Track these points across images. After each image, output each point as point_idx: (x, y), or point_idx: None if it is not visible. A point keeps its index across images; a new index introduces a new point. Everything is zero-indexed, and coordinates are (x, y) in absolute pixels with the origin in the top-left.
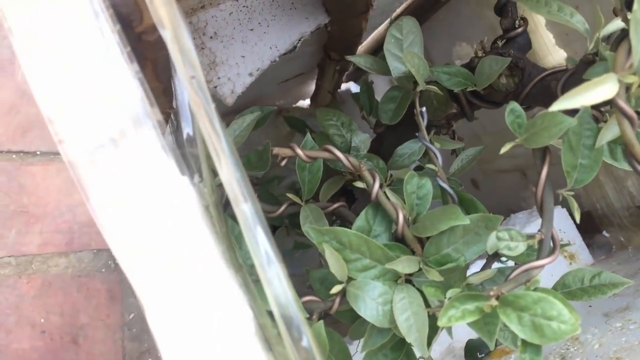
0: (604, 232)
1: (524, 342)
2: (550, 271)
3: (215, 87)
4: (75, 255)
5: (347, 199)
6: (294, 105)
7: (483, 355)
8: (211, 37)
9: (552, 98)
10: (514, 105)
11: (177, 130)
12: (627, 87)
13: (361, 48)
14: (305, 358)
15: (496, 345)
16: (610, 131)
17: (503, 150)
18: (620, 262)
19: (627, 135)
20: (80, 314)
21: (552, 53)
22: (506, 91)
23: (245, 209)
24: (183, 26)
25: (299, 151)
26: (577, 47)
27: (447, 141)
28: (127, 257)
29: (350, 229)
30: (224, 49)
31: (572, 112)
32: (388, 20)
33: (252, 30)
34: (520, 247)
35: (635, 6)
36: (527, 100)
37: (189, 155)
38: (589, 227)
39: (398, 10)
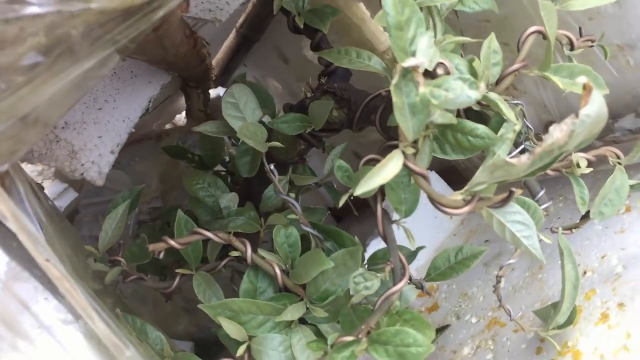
0: None
1: None
2: (435, 230)
3: (82, 174)
4: None
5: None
6: (171, 126)
7: None
8: (63, 128)
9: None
10: (339, 162)
11: None
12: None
13: (215, 61)
14: None
15: None
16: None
17: (341, 203)
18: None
19: (424, 187)
20: None
21: (379, 37)
22: (340, 122)
23: (129, 354)
24: (22, 215)
25: (173, 242)
26: None
27: (305, 177)
28: None
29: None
30: (79, 136)
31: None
32: (234, 30)
33: (100, 109)
34: (375, 283)
35: (394, 98)
36: (359, 124)
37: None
38: (457, 179)
39: (240, 20)
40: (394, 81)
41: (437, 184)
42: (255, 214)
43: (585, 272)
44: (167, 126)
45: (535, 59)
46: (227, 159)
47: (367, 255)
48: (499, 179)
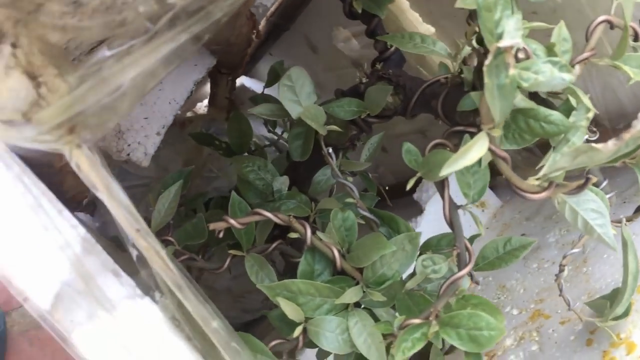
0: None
1: (466, 352)
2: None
3: (128, 154)
4: (17, 311)
5: (281, 229)
6: (194, 113)
7: None
8: None
9: (433, 110)
10: (407, 145)
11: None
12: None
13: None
14: None
15: None
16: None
17: (409, 185)
18: (524, 201)
19: (505, 171)
20: None
21: (418, 27)
22: (394, 108)
23: (216, 325)
24: (114, 184)
25: (234, 222)
26: (443, 23)
27: (356, 164)
28: None
29: (291, 262)
30: (127, 117)
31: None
32: (264, 19)
33: None
34: (443, 267)
35: (486, 79)
36: (414, 110)
37: (144, 275)
38: (490, 173)
39: (272, 9)
40: (487, 62)
41: None
42: (306, 197)
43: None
44: (188, 114)
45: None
46: (253, 147)
47: None
48: (581, 164)
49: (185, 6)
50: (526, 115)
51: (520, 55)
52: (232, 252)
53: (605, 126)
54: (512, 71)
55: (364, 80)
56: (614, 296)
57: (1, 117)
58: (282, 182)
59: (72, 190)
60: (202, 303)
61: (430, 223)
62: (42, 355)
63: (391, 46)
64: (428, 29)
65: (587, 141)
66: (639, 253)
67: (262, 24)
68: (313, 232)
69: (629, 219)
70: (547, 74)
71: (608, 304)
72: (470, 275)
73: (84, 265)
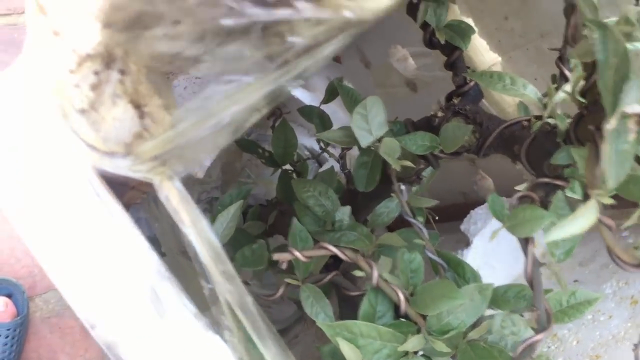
0: None
1: None
2: (515, 257)
3: None
4: (41, 297)
5: (335, 258)
6: None
7: None
8: None
9: (512, 154)
10: (493, 196)
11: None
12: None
13: None
14: None
15: None
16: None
17: (492, 237)
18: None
19: (608, 240)
20: (58, 355)
21: (483, 54)
22: (468, 146)
23: None
24: (203, 221)
25: (298, 254)
26: (512, 54)
27: (424, 200)
28: None
29: (345, 294)
30: None
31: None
32: None
33: None
34: (523, 330)
35: (607, 143)
36: (486, 151)
37: (215, 312)
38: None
39: None
40: (610, 125)
41: None
42: (367, 230)
43: None
44: None
45: None
46: (296, 158)
47: None
48: None
49: (303, 46)
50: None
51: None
52: (288, 280)
53: None
54: (634, 136)
55: (439, 114)
56: None
57: (104, 148)
58: (344, 213)
59: (127, 201)
60: (280, 353)
61: (475, 257)
62: (62, 344)
63: (470, 80)
64: (495, 58)
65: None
66: None
67: None
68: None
69: None
70: None
71: None
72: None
73: (157, 296)
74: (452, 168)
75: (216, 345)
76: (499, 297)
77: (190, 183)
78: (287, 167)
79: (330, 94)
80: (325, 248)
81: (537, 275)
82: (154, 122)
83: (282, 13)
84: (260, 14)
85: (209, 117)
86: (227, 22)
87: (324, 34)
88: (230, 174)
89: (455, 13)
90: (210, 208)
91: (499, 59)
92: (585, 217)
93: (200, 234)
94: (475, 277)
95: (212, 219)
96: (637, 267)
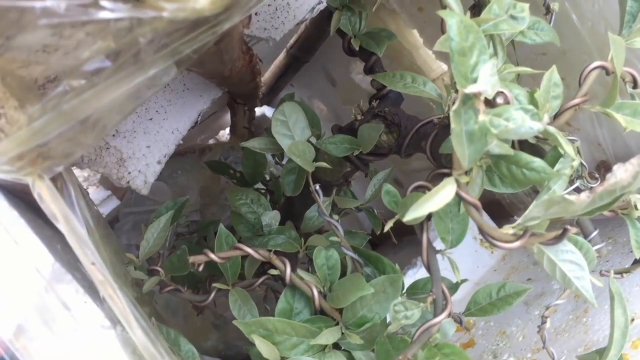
0: (515, 217)
1: None
2: (475, 263)
3: (128, 182)
4: None
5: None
6: (214, 141)
7: None
8: (114, 136)
9: (423, 150)
10: (387, 187)
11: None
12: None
13: (263, 79)
14: None
15: None
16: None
17: (387, 227)
18: None
19: (475, 218)
20: None
21: (430, 64)
22: (389, 146)
23: None
24: (73, 217)
25: (214, 256)
26: None
27: (348, 200)
28: None
29: (276, 296)
30: (129, 144)
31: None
32: (284, 50)
33: (151, 119)
34: (416, 313)
35: (453, 124)
36: (408, 150)
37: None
38: (501, 214)
39: (291, 41)
40: (454, 107)
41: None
42: (295, 233)
43: (633, 319)
44: (211, 141)
45: (592, 95)
46: (268, 177)
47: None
48: (554, 215)
49: (148, 44)
50: (508, 161)
51: (499, 100)
52: (217, 285)
53: None
54: (482, 117)
55: (359, 117)
56: (603, 351)
57: None
58: (271, 217)
59: None
60: (151, 340)
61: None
62: None
63: None
64: (440, 66)
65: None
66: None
67: (282, 56)
68: (294, 270)
69: (625, 271)
70: (518, 122)
71: (597, 359)
72: (460, 320)
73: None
74: (421, 179)
75: (106, 340)
76: (419, 290)
77: None
78: (261, 186)
79: None
80: (240, 248)
81: (434, 261)
82: (8, 122)
83: (94, 13)
84: (74, 14)
85: (64, 116)
86: (43, 22)
87: (170, 33)
88: (208, 197)
89: (400, 25)
90: (188, 231)
91: (445, 67)
92: (441, 195)
93: (71, 229)
94: (395, 271)
95: (189, 240)
96: (507, 242)
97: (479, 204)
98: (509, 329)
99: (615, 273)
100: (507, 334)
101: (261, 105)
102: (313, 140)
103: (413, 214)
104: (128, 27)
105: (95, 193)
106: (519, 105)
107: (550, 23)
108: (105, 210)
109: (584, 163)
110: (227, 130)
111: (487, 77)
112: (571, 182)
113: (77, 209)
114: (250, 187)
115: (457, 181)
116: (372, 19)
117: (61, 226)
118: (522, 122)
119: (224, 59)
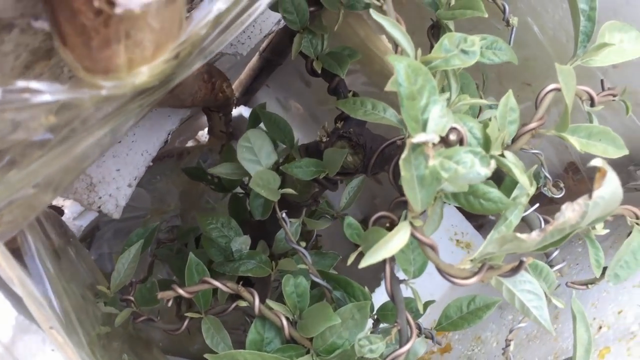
0: (490, 216)
1: None
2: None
3: (99, 207)
4: None
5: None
6: (193, 143)
7: None
8: None
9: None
10: (349, 220)
11: None
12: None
13: (238, 81)
14: None
15: None
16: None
17: (350, 260)
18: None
19: (432, 258)
20: None
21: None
22: (355, 167)
23: None
24: (28, 281)
25: (181, 291)
26: None
27: (318, 222)
28: None
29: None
30: (98, 169)
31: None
32: (257, 53)
33: (119, 143)
34: (381, 346)
35: (402, 172)
36: (373, 170)
37: None
38: (477, 214)
39: (263, 45)
40: (403, 156)
41: (455, 216)
42: (266, 257)
43: (600, 327)
44: (190, 143)
45: (559, 111)
46: (246, 181)
47: (375, 298)
48: (508, 251)
49: (93, 111)
50: (466, 192)
51: (452, 137)
52: (189, 314)
53: (584, 175)
54: (432, 162)
55: (325, 138)
56: None
57: None
58: (241, 242)
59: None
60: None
61: None
62: None
63: None
64: None
65: (552, 198)
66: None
67: (255, 58)
68: (265, 296)
69: (591, 282)
70: (468, 165)
71: None
72: (431, 335)
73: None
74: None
75: None
76: (389, 312)
77: (150, 212)
78: (239, 190)
79: (255, 120)
80: (208, 282)
81: (398, 292)
82: None
83: (30, 98)
84: (12, 99)
85: (7, 189)
86: None
87: (114, 100)
88: (188, 202)
89: (368, 31)
90: (168, 238)
91: None
92: (396, 240)
93: (29, 293)
94: (364, 295)
95: (170, 248)
96: (464, 278)
97: (435, 244)
98: (484, 334)
99: (582, 284)
100: (482, 339)
101: (237, 106)
102: (280, 160)
103: (368, 261)
104: (68, 105)
105: (73, 206)
106: (469, 148)
107: (511, 36)
108: (84, 222)
109: (548, 176)
110: (206, 130)
111: (437, 119)
112: (538, 190)
113: (37, 263)
114: (228, 191)
115: (411, 224)
116: (340, 25)
117: (17, 289)
118: (471, 165)
119: (181, 97)
